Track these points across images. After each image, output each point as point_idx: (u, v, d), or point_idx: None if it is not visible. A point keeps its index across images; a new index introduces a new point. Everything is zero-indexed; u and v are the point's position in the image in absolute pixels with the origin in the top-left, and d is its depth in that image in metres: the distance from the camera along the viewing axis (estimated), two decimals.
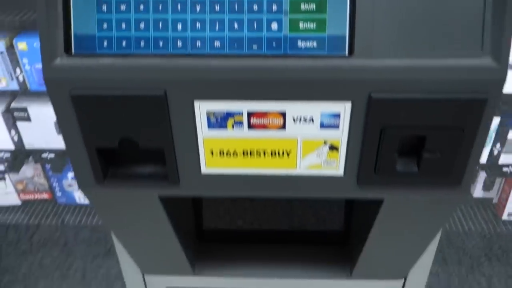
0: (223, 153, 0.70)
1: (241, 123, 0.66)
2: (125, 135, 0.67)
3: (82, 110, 0.65)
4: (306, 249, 1.07)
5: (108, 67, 0.62)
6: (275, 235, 1.08)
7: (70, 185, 2.09)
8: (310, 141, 0.67)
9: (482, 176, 1.98)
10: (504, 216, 2.01)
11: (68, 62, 0.62)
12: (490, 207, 2.07)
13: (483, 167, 1.74)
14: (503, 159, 1.75)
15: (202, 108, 0.65)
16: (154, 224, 0.84)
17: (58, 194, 2.13)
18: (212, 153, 0.70)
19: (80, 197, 2.14)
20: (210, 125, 0.67)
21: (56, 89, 0.64)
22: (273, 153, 0.69)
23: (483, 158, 1.70)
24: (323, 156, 0.69)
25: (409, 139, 0.67)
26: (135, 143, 0.68)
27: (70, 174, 2.04)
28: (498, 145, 1.70)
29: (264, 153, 0.69)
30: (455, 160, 0.66)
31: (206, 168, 0.72)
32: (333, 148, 0.68)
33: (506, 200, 1.94)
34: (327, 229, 1.07)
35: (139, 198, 0.78)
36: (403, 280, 1.02)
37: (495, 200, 2.08)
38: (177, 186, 0.73)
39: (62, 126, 0.68)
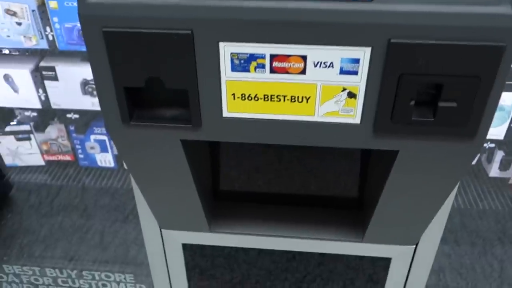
0: (245, 97, 0.72)
1: (263, 66, 0.69)
2: (152, 74, 0.70)
3: (112, 47, 0.68)
4: (320, 212, 1.08)
5: (139, 5, 0.65)
6: (291, 198, 1.10)
7: (92, 148, 2.14)
8: (329, 86, 0.69)
9: (499, 155, 1.96)
10: None
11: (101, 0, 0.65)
12: (505, 187, 2.05)
13: (500, 144, 1.72)
14: None
15: (227, 50, 0.67)
16: (174, 171, 0.86)
17: (80, 156, 2.18)
18: (234, 97, 0.72)
19: (101, 160, 2.18)
20: (233, 67, 0.69)
21: (89, 25, 0.67)
22: (293, 99, 0.71)
23: (501, 135, 1.69)
24: (341, 103, 0.71)
25: (426, 89, 0.69)
26: (161, 83, 0.71)
27: (93, 137, 2.09)
28: None
29: (284, 98, 0.72)
30: (471, 110, 0.68)
31: (227, 112, 0.74)
32: (351, 95, 0.70)
33: None
34: (342, 194, 1.09)
35: (162, 141, 0.80)
36: (414, 247, 1.03)
37: (511, 181, 2.06)
38: (199, 130, 0.76)
39: (93, 64, 0.71)
